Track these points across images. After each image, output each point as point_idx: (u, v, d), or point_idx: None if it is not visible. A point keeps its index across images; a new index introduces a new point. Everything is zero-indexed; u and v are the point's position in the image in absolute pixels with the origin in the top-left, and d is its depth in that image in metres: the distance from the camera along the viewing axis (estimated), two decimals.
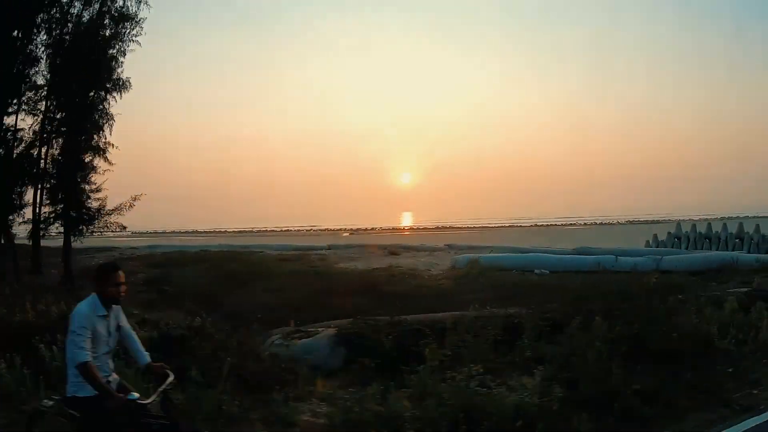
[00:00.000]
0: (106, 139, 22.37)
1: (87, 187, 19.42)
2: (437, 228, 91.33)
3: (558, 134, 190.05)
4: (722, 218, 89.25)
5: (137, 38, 23.53)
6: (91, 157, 19.91)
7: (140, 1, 21.91)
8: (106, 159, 19.85)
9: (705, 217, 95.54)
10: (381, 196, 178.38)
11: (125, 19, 23.32)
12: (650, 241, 32.26)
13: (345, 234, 72.22)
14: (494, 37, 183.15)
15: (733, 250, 27.58)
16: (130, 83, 23.41)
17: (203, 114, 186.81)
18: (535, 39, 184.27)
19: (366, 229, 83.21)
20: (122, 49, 23.36)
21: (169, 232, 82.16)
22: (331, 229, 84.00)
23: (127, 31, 23.40)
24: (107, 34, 22.70)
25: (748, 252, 26.59)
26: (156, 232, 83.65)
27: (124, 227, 19.77)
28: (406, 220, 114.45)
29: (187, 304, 13.78)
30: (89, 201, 19.32)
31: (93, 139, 20.66)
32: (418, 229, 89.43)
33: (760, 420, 5.30)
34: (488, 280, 15.37)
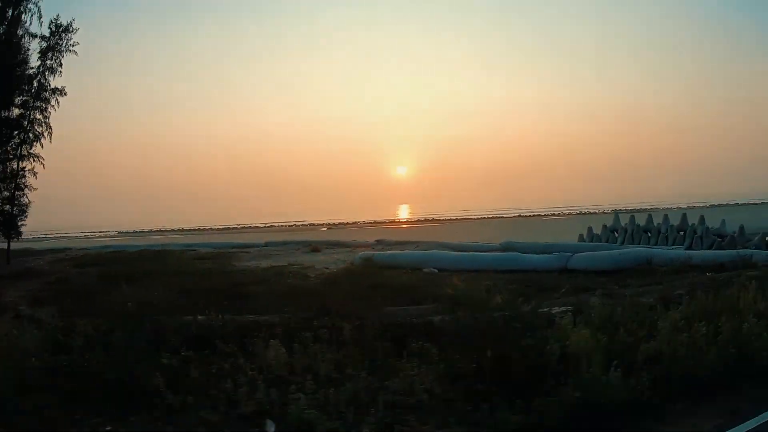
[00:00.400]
0: (42, 147, 23.93)
1: (7, 194, 20.73)
2: (419, 221, 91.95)
3: (552, 124, 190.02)
4: (714, 205, 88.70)
5: (74, 48, 25.16)
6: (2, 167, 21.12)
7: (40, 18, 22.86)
8: (11, 170, 21.02)
9: (692, 205, 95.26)
10: (379, 190, 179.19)
11: (63, 31, 24.91)
12: (584, 235, 29.98)
13: (324, 229, 73.24)
14: (488, 31, 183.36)
15: (673, 244, 25.62)
16: (65, 92, 24.95)
17: (199, 109, 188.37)
18: (527, 33, 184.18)
19: (347, 224, 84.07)
20: (59, 59, 24.98)
21: (155, 231, 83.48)
22: (313, 224, 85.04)
23: (64, 43, 25.01)
24: (41, 48, 24.19)
25: (689, 248, 23.98)
26: (143, 231, 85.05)
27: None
28: (398, 213, 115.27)
29: (65, 301, 14.96)
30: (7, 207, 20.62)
31: (17, 149, 22.02)
32: (401, 222, 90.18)
33: (762, 420, 5.15)
34: (362, 279, 15.86)
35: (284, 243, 29.58)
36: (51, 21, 24.74)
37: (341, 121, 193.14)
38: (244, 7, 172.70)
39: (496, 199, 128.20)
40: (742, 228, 25.27)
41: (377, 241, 28.77)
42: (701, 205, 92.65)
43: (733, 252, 17.96)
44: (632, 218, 30.05)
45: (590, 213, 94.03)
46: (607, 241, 28.40)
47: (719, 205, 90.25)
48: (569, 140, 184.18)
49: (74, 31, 24.96)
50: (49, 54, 24.72)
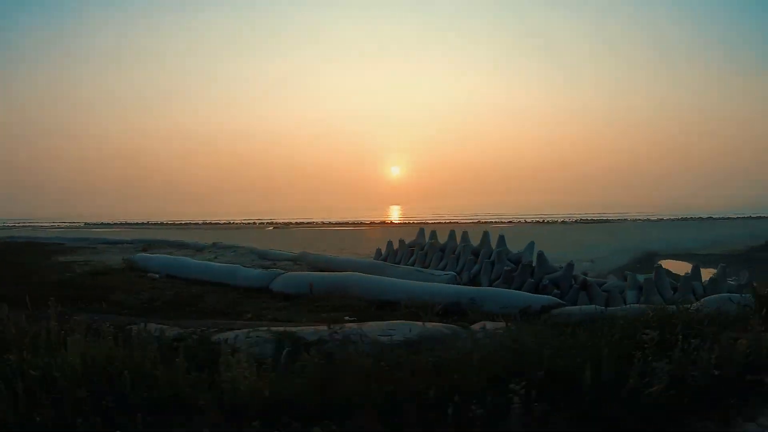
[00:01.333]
0: None
1: None
2: (372, 224, 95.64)
3: (542, 128, 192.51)
4: (682, 218, 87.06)
5: None
6: None
7: None
8: None
9: (684, 216, 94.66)
10: (377, 190, 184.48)
11: None
12: (382, 250, 24.98)
13: (270, 228, 78.38)
14: (484, 29, 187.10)
15: (461, 269, 19.40)
16: None
17: (201, 107, 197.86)
18: (524, 31, 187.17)
19: (297, 224, 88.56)
20: None
21: (119, 223, 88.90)
22: (273, 222, 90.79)
23: None
24: None
25: (476, 274, 17.36)
26: (108, 224, 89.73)
27: None
28: (377, 214, 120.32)
29: None
30: None
31: None
32: (363, 224, 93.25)
33: None
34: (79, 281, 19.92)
35: (149, 241, 35.38)
36: None
37: (340, 120, 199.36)
38: (240, 4, 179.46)
39: (480, 204, 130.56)
40: (541, 255, 19.70)
41: (213, 243, 34.37)
42: (673, 218, 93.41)
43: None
44: (433, 233, 26.29)
45: (550, 222, 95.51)
46: (400, 260, 23.96)
47: (690, 219, 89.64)
48: (565, 144, 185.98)
49: None
50: None
